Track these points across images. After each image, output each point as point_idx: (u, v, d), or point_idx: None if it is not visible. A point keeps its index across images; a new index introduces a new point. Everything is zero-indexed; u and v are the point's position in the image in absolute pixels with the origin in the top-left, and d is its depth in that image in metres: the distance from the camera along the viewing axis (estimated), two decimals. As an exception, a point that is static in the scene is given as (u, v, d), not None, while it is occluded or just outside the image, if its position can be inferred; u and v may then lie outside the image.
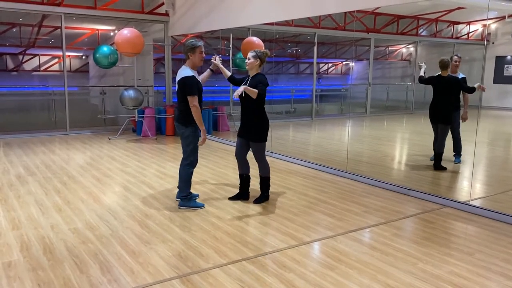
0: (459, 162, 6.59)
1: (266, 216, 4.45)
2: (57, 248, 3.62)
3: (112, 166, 6.63)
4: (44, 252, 3.53)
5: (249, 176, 4.97)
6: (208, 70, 5.00)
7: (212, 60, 5.00)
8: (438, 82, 6.18)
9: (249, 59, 4.68)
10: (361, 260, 3.46)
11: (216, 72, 5.11)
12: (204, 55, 4.65)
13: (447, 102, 6.17)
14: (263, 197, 4.93)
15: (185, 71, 4.55)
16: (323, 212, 4.61)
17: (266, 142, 4.86)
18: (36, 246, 3.65)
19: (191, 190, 4.84)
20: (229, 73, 5.06)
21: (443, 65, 6.11)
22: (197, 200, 4.90)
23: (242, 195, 4.97)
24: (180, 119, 4.68)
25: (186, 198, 4.74)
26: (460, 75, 6.41)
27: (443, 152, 6.30)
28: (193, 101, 4.46)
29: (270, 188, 5.01)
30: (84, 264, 3.33)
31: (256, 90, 4.41)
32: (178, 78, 4.59)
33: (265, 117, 4.77)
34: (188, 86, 4.47)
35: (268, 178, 4.94)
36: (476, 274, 3.25)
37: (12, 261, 3.37)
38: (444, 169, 6.38)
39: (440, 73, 6.20)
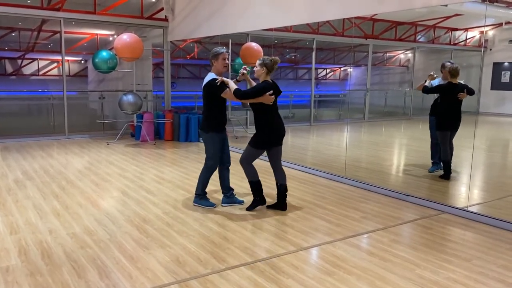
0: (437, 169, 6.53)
1: (264, 222, 4.46)
2: (55, 252, 3.61)
3: (110, 171, 6.63)
4: (42, 257, 3.52)
5: (259, 182, 4.84)
6: (234, 80, 4.86)
7: (241, 71, 4.80)
8: (452, 90, 6.07)
9: (256, 67, 4.67)
10: (359, 265, 3.47)
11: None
12: (227, 61, 4.72)
13: (460, 109, 6.15)
14: (254, 202, 4.80)
15: (209, 76, 4.66)
16: (321, 218, 4.61)
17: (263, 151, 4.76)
18: (34, 251, 3.64)
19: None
20: (255, 84, 4.91)
21: (457, 72, 6.04)
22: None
23: (260, 201, 4.86)
24: (202, 126, 4.81)
25: (199, 196, 4.93)
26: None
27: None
28: (227, 94, 4.56)
29: (263, 192, 4.83)
30: (82, 269, 3.32)
31: (235, 87, 4.50)
32: (203, 84, 4.67)
33: (267, 126, 4.62)
34: (216, 87, 4.55)
35: (252, 182, 4.75)
36: (474, 280, 3.26)
37: (10, 265, 3.36)
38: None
39: (450, 81, 6.08)
